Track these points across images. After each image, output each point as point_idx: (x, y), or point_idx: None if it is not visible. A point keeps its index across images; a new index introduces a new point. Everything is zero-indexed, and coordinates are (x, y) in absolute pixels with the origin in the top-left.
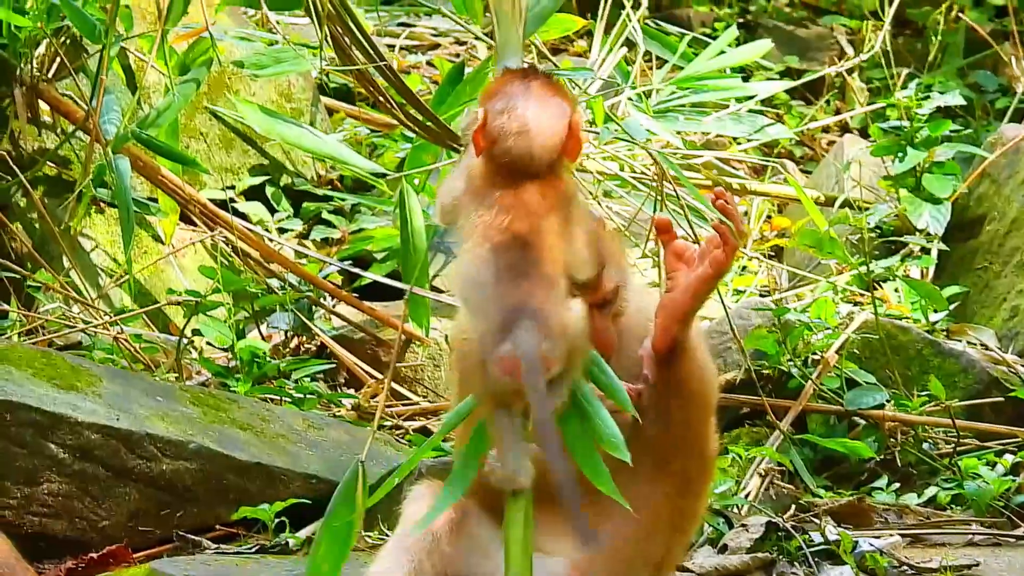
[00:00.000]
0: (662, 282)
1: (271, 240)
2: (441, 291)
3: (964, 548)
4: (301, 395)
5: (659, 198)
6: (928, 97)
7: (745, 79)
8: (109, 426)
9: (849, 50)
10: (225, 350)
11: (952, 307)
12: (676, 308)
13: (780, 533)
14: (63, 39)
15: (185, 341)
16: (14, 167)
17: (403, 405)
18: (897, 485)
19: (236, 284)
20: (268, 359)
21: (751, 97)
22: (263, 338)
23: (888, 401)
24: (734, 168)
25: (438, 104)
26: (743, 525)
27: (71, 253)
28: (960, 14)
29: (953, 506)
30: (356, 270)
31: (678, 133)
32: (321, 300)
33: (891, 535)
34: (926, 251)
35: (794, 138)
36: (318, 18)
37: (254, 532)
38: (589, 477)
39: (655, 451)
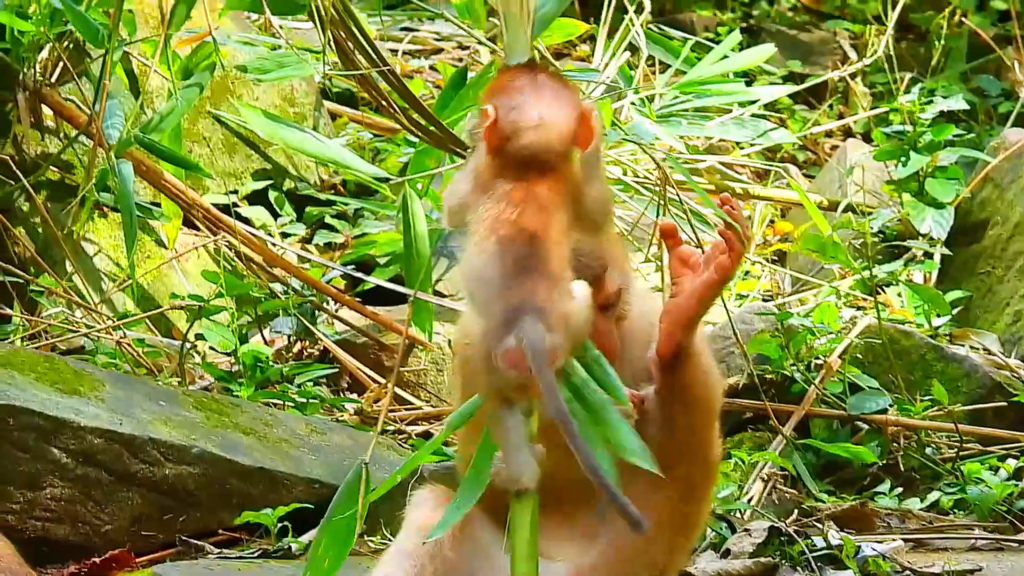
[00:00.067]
0: (665, 287)
1: (274, 245)
2: (444, 295)
3: (967, 553)
4: (304, 400)
5: (662, 203)
6: (931, 101)
7: (748, 83)
8: (112, 431)
9: (852, 54)
10: (228, 355)
11: (955, 312)
12: (681, 313)
13: (783, 538)
14: (66, 43)
15: (188, 345)
16: (17, 171)
17: (406, 410)
18: (900, 490)
19: (239, 289)
20: (271, 364)
21: (754, 101)
22: (266, 342)
23: (891, 406)
24: (737, 172)
25: (441, 109)
26: (746, 530)
27: (74, 257)
28: (963, 19)
29: (956, 511)
30: (359, 275)
31: (681, 137)
32: (324, 305)
33: (894, 540)
34: (929, 256)
35: (797, 142)
36: (321, 22)
37: (257, 537)
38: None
39: (659, 456)
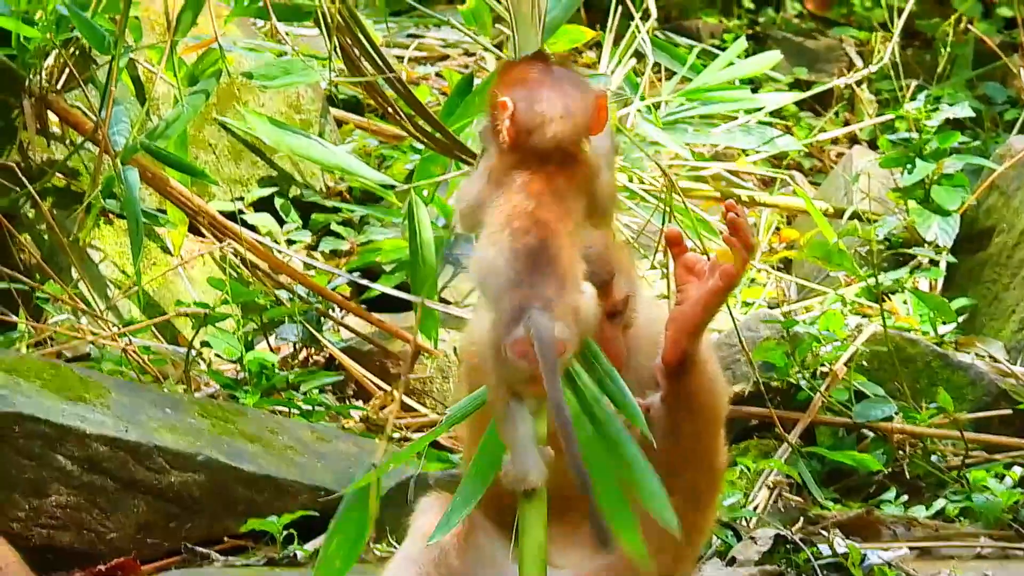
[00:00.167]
0: (671, 294)
1: (280, 252)
2: (450, 303)
3: (972, 561)
4: (310, 407)
5: (668, 210)
6: (937, 109)
7: (754, 91)
8: (117, 438)
9: (858, 62)
10: (234, 362)
11: (961, 319)
12: (686, 321)
13: (788, 546)
14: (72, 50)
15: (194, 353)
16: (23, 178)
17: (412, 417)
18: (905, 497)
19: (245, 296)
20: (277, 371)
21: (760, 109)
22: (272, 350)
23: (896, 413)
24: (743, 180)
25: (447, 115)
26: (751, 538)
27: (80, 264)
28: (969, 26)
29: (961, 519)
30: (365, 282)
31: (687, 145)
32: (330, 312)
33: (899, 548)
34: (935, 263)
35: (803, 150)
36: (327, 29)
37: (262, 544)
38: (609, 515)
39: (664, 464)
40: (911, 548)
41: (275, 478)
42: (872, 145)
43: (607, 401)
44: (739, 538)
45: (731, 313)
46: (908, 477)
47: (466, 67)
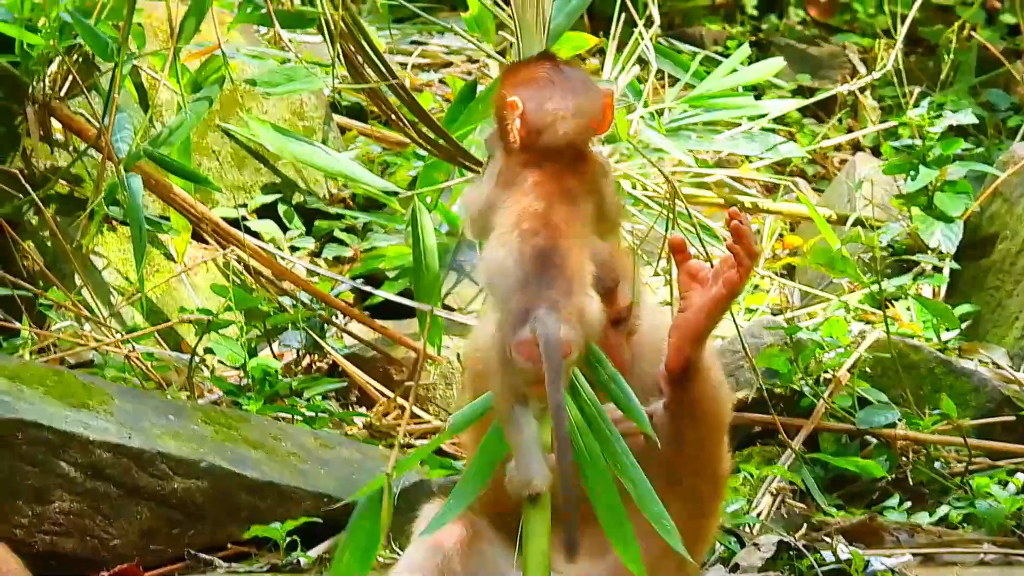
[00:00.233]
0: (674, 301)
1: (283, 258)
2: (453, 309)
3: (976, 567)
4: (313, 414)
5: (671, 217)
6: (940, 116)
7: (757, 97)
8: (120, 444)
9: (861, 68)
10: (237, 368)
11: (964, 326)
12: (690, 328)
13: (791, 552)
14: (75, 57)
15: (197, 359)
16: (26, 185)
17: (415, 424)
18: (909, 504)
19: (248, 302)
20: (280, 377)
21: (763, 115)
22: (275, 356)
23: (900, 420)
24: (746, 186)
25: (450, 122)
26: (755, 544)
27: (83, 271)
28: (972, 33)
29: (965, 525)
30: (368, 288)
31: (690, 151)
32: (333, 318)
33: (903, 554)
34: (938, 270)
35: (806, 156)
36: (331, 36)
37: (266, 551)
38: (608, 531)
39: (667, 471)
40: (914, 554)
41: (278, 485)
42: (875, 152)
43: (611, 407)
44: (742, 544)
45: (734, 320)
46: (911, 483)
47: (469, 74)
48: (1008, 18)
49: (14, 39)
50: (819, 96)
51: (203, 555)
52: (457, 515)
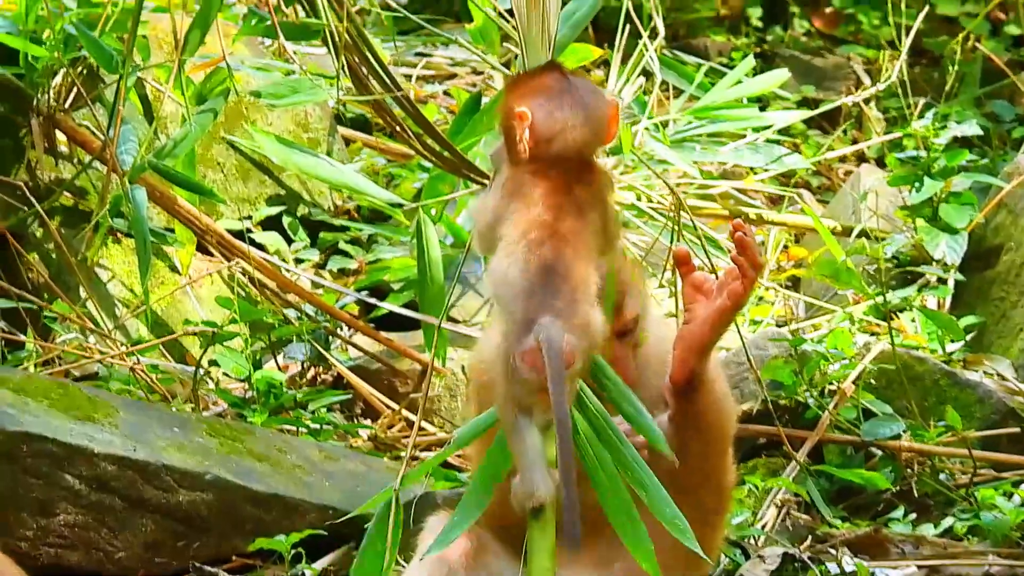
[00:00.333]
0: (679, 312)
1: (288, 270)
2: (458, 321)
3: None
4: (318, 426)
5: (676, 228)
6: (945, 127)
7: (762, 109)
8: (125, 457)
9: (866, 79)
10: (242, 381)
11: (969, 337)
12: (694, 340)
13: (796, 564)
14: (80, 69)
15: (202, 372)
16: (31, 197)
17: (420, 436)
18: (914, 516)
19: (253, 314)
20: (285, 390)
21: (768, 127)
22: (280, 369)
23: (905, 431)
24: (751, 198)
25: (455, 134)
26: (760, 556)
27: (88, 284)
28: (977, 44)
29: (970, 537)
30: (373, 300)
31: (695, 163)
32: (338, 330)
33: (908, 566)
34: (943, 281)
35: (811, 168)
36: (335, 48)
37: (271, 563)
38: (622, 533)
39: (672, 482)
40: (919, 566)
41: (283, 497)
42: (880, 163)
43: (618, 420)
44: (747, 556)
45: (739, 331)
46: (916, 495)
47: (474, 86)
48: (1013, 29)
49: (19, 51)
50: (824, 108)
51: (208, 568)
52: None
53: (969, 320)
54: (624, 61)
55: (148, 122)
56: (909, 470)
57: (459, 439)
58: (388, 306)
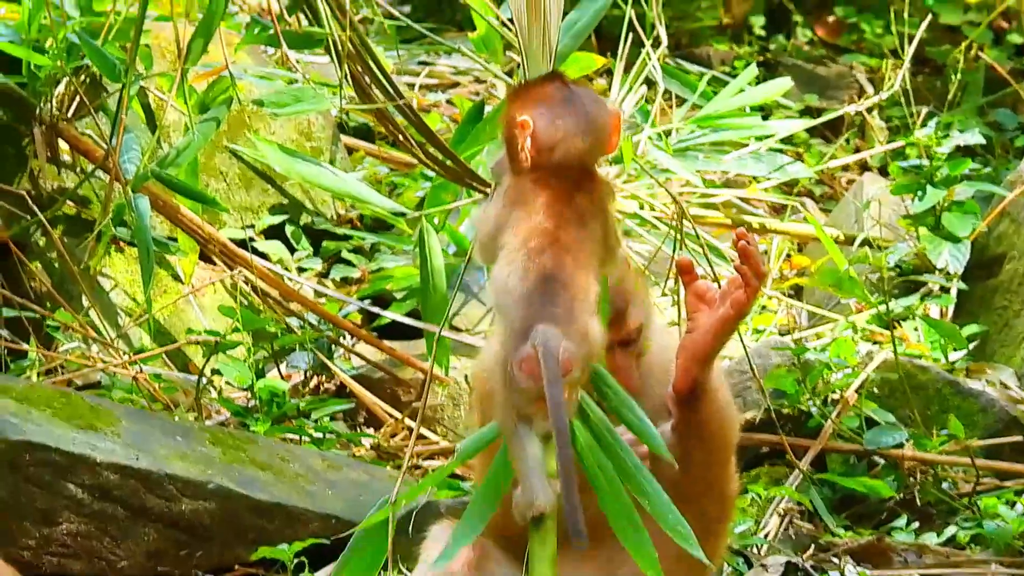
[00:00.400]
0: (682, 322)
1: (290, 279)
2: (461, 330)
3: None
4: (321, 435)
5: (679, 237)
6: (947, 135)
7: (765, 118)
8: (128, 466)
9: (869, 88)
10: (244, 390)
11: (971, 346)
12: (697, 349)
13: (799, 573)
14: (83, 78)
15: (204, 381)
16: (33, 206)
17: (423, 445)
18: (917, 524)
19: (256, 323)
20: (287, 399)
21: (771, 136)
22: (282, 377)
23: (907, 440)
24: (754, 207)
25: (458, 143)
26: (762, 565)
27: (90, 292)
28: (980, 52)
29: (973, 545)
30: (376, 309)
31: (698, 172)
32: (340, 339)
33: (911, 575)
34: (945, 290)
35: (814, 177)
36: (338, 57)
37: (273, 572)
38: (625, 541)
39: (675, 491)
40: (922, 575)
41: (286, 506)
42: (883, 172)
43: (622, 429)
44: (750, 565)
45: (742, 340)
46: (919, 504)
47: (477, 94)
48: (1015, 38)
49: (21, 60)
50: (827, 116)
51: None
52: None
53: (972, 329)
54: (627, 70)
55: (151, 131)
56: (912, 479)
57: (461, 453)
58: (391, 315)
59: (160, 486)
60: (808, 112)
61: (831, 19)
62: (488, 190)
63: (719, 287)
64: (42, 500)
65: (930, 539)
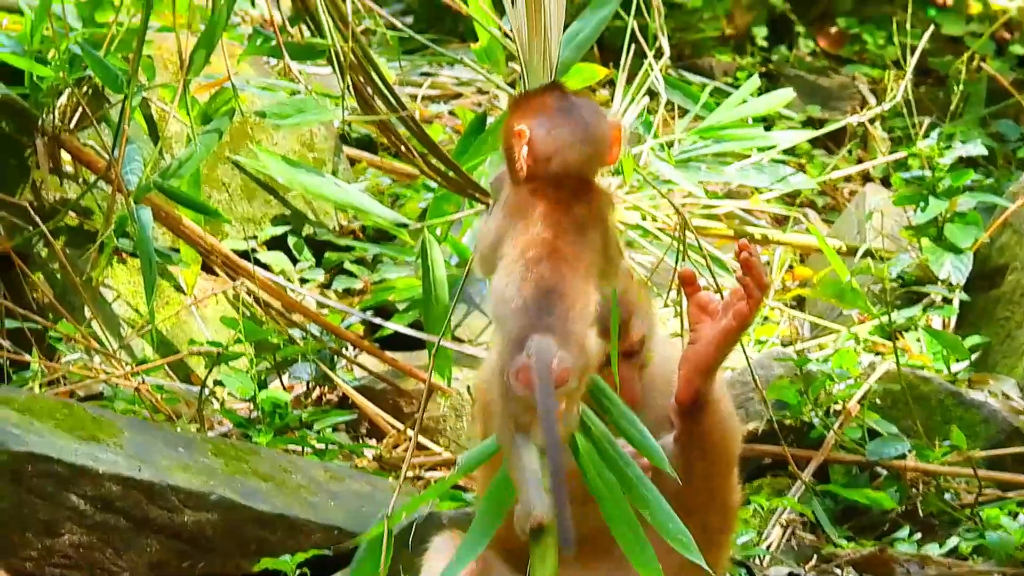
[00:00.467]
0: (684, 333)
1: (293, 290)
2: (463, 341)
3: None
4: (323, 446)
5: (681, 248)
6: (950, 147)
7: (767, 128)
8: (130, 477)
9: (871, 99)
10: (247, 401)
11: (974, 357)
12: (699, 360)
13: None
14: (85, 89)
15: (207, 392)
16: (36, 217)
17: (425, 456)
18: (919, 535)
19: (258, 334)
20: (290, 410)
21: (773, 147)
22: (285, 389)
23: (910, 451)
24: (756, 218)
25: (460, 154)
26: None
27: (92, 304)
28: (982, 63)
29: (975, 556)
30: (378, 320)
31: (700, 183)
32: (343, 350)
33: None
34: (948, 301)
35: (816, 188)
36: (341, 68)
37: None
38: (627, 552)
39: (677, 503)
40: None
41: (288, 517)
42: (885, 183)
43: (622, 442)
44: None
45: (744, 351)
46: (922, 515)
47: (479, 105)
48: (1018, 49)
49: (24, 71)
50: (829, 127)
51: None
52: None
53: (974, 340)
54: (629, 81)
55: (153, 142)
56: (914, 490)
57: (463, 466)
58: (393, 326)
59: (162, 497)
60: (810, 123)
61: (833, 30)
62: (490, 201)
63: (722, 298)
64: (44, 511)
65: (932, 550)
